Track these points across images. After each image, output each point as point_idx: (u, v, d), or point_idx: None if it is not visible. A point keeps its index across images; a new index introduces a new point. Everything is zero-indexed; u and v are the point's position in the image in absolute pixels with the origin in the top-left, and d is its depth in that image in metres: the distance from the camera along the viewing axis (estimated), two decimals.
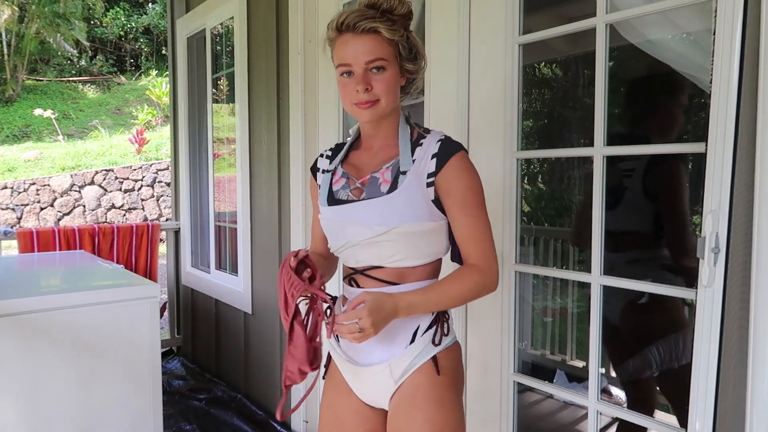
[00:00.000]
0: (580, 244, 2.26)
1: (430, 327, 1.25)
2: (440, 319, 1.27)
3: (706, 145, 1.19)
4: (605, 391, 3.00)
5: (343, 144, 1.39)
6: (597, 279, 1.58)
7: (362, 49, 1.19)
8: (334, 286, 2.35)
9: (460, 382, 1.29)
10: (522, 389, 1.90)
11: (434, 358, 1.23)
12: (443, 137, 1.25)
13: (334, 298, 1.32)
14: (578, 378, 3.14)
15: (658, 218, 2.00)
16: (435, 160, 1.21)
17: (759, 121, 1.12)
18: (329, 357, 1.40)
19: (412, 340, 1.24)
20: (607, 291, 1.61)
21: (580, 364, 3.37)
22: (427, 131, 1.28)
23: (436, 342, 1.24)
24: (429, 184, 1.21)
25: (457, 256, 1.28)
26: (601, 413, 1.64)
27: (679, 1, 1.39)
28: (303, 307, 1.22)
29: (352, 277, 1.30)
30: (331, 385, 1.37)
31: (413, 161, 1.22)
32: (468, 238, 1.22)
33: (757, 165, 1.12)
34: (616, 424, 2.16)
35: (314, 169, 1.40)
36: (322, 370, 1.37)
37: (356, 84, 1.20)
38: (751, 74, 1.14)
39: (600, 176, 1.57)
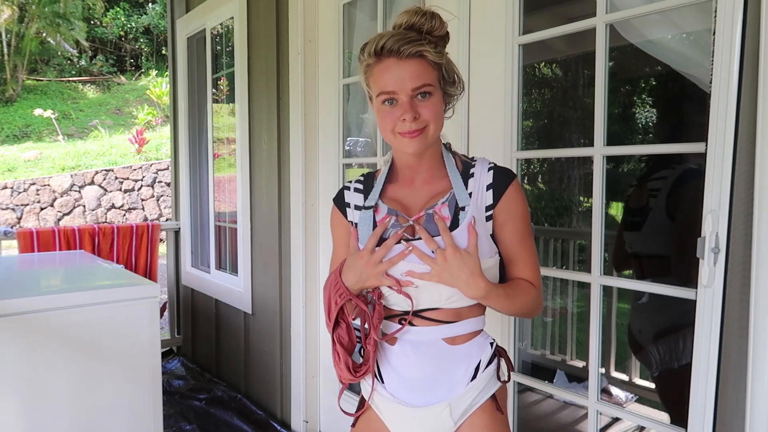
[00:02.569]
0: (618, 267, 2.23)
1: (491, 361, 1.18)
2: (502, 353, 1.21)
3: (706, 145, 1.19)
4: (605, 391, 3.00)
5: (372, 175, 1.27)
6: (597, 279, 1.58)
7: (408, 75, 1.08)
8: None
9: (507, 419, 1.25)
10: (522, 389, 1.90)
11: (494, 396, 1.17)
12: (492, 165, 1.18)
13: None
14: (578, 378, 3.14)
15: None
16: (491, 191, 1.14)
17: (759, 121, 1.12)
18: (361, 403, 1.26)
19: (474, 376, 1.15)
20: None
21: (580, 364, 3.38)
22: (472, 159, 1.21)
23: (503, 378, 1.19)
24: (488, 218, 1.15)
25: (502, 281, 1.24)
26: (601, 413, 1.64)
27: (679, 1, 1.39)
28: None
29: (404, 318, 1.17)
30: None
31: (470, 194, 1.14)
32: (523, 266, 1.18)
33: (757, 165, 1.12)
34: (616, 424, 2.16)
35: (342, 204, 1.27)
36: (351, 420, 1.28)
37: (402, 113, 1.09)
38: (751, 74, 1.14)
39: (600, 176, 1.57)
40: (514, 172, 1.20)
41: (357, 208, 1.23)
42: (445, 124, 1.17)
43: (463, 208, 1.13)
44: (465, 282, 1.06)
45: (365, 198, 1.23)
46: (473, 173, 1.16)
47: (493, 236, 1.16)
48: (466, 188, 1.15)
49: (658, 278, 1.93)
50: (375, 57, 1.10)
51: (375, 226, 1.17)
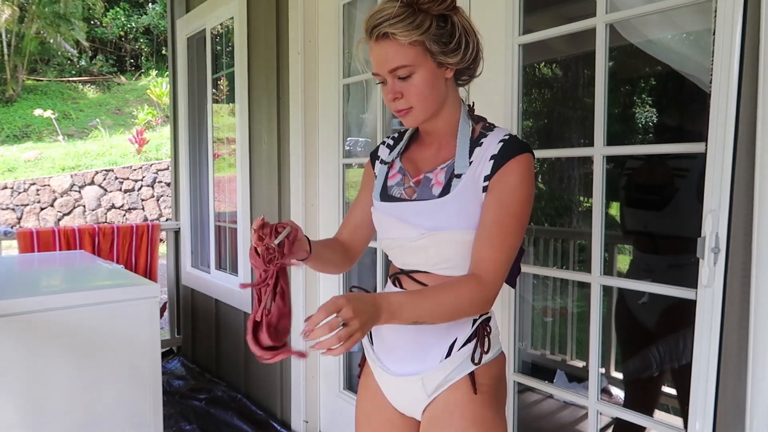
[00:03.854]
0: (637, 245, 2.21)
1: (468, 341, 1.14)
2: (481, 333, 1.14)
3: (706, 145, 1.19)
4: (605, 391, 3.00)
5: (404, 133, 1.28)
6: (597, 279, 1.58)
7: (381, 58, 1.06)
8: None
9: (501, 399, 1.18)
10: (522, 389, 1.90)
11: (471, 374, 1.13)
12: (507, 136, 1.11)
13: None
14: (578, 378, 3.14)
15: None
16: (492, 162, 1.08)
17: (759, 121, 1.12)
18: (363, 358, 1.31)
19: (448, 354, 1.13)
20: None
21: (580, 364, 3.38)
22: (492, 128, 1.15)
23: (476, 361, 1.13)
24: (484, 189, 1.08)
25: (511, 278, 1.16)
26: (601, 413, 1.64)
27: (679, 1, 1.39)
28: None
29: (397, 276, 1.21)
30: (365, 391, 1.28)
31: (470, 163, 1.10)
32: (486, 242, 1.06)
33: (757, 165, 1.12)
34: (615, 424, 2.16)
35: (374, 156, 1.30)
36: (357, 369, 1.33)
37: (386, 93, 1.10)
38: (751, 74, 1.14)
39: (600, 176, 1.57)
40: (528, 147, 1.10)
41: (381, 162, 1.28)
42: None
43: (458, 176, 1.09)
44: (371, 316, 0.93)
45: (390, 153, 1.27)
46: (483, 143, 1.11)
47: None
48: (470, 157, 1.10)
49: (681, 255, 1.94)
50: (366, 35, 1.08)
51: (385, 182, 1.22)
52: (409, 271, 1.18)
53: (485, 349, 1.14)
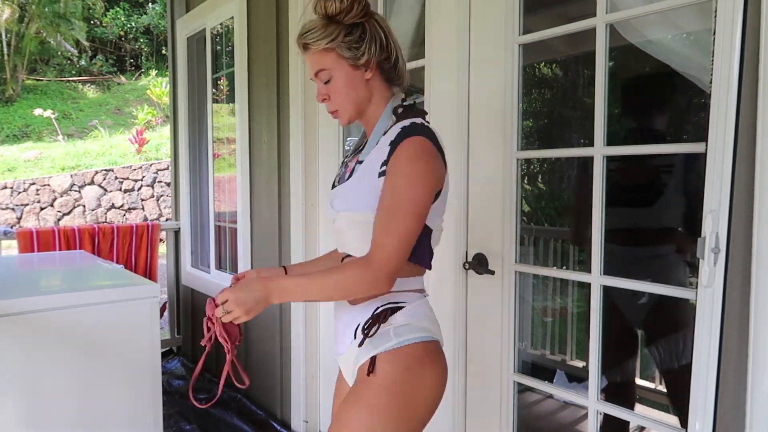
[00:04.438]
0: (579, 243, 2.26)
1: (367, 324, 1.21)
2: (375, 319, 1.21)
3: (706, 145, 1.19)
4: (605, 391, 3.00)
5: None
6: (597, 279, 1.58)
7: (308, 65, 1.25)
8: None
9: (406, 390, 1.17)
10: (522, 389, 1.90)
11: (373, 358, 1.18)
12: (408, 123, 1.19)
13: None
14: (578, 378, 3.14)
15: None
16: (390, 147, 1.17)
17: (759, 121, 1.12)
18: None
19: (354, 336, 1.25)
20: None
21: (580, 364, 3.37)
22: (407, 118, 1.23)
23: (375, 345, 1.19)
24: (381, 174, 1.16)
25: (423, 259, 1.22)
26: (601, 413, 1.64)
27: (679, 1, 1.39)
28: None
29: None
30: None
31: (377, 145, 1.22)
32: (378, 225, 1.13)
33: (757, 165, 1.12)
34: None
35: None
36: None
37: (317, 95, 1.27)
38: (751, 74, 1.14)
39: (600, 176, 1.57)
40: (425, 131, 1.17)
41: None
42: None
43: (361, 162, 1.23)
44: (258, 299, 1.15)
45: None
46: (389, 131, 1.21)
47: None
48: (376, 144, 1.21)
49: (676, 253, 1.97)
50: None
51: (345, 167, 1.32)
52: (344, 256, 1.29)
53: (369, 333, 1.20)
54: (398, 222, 1.11)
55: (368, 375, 1.17)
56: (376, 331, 1.20)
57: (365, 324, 1.22)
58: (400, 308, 1.22)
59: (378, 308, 1.22)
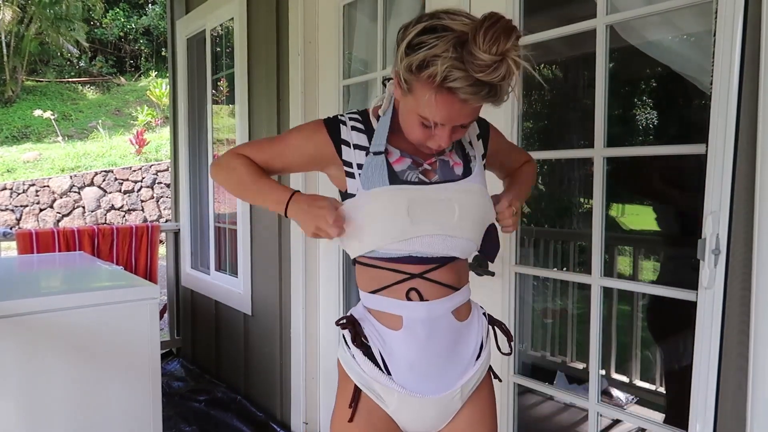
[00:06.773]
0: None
1: (487, 333, 1.24)
2: (496, 321, 1.26)
3: (707, 147, 1.19)
4: (606, 393, 3.00)
5: (366, 115, 1.19)
6: (597, 281, 1.58)
7: (461, 115, 1.05)
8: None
9: None
10: (522, 391, 1.90)
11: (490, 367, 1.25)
12: (480, 120, 1.29)
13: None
14: (578, 380, 3.14)
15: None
16: (481, 141, 1.26)
17: (759, 123, 1.12)
18: (358, 394, 1.15)
19: (479, 354, 1.18)
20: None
21: (581, 365, 3.37)
22: None
23: (504, 350, 1.24)
24: (484, 167, 1.26)
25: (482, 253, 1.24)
26: (601, 415, 1.63)
27: (680, 3, 1.39)
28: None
29: (411, 286, 1.12)
30: (371, 428, 1.14)
31: (469, 143, 1.24)
32: (515, 153, 1.42)
33: (758, 166, 1.12)
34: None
35: (336, 134, 1.15)
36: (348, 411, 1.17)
37: (439, 140, 1.08)
38: (751, 76, 1.14)
39: (600, 178, 1.56)
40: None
41: (359, 148, 1.14)
42: None
43: (467, 155, 1.22)
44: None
45: (368, 140, 1.15)
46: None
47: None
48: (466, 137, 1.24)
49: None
50: (437, 86, 0.98)
51: (390, 169, 1.11)
52: (429, 269, 1.11)
53: (510, 336, 1.26)
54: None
55: (495, 379, 1.26)
56: (506, 332, 1.27)
57: (487, 332, 1.22)
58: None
59: (484, 312, 1.25)
